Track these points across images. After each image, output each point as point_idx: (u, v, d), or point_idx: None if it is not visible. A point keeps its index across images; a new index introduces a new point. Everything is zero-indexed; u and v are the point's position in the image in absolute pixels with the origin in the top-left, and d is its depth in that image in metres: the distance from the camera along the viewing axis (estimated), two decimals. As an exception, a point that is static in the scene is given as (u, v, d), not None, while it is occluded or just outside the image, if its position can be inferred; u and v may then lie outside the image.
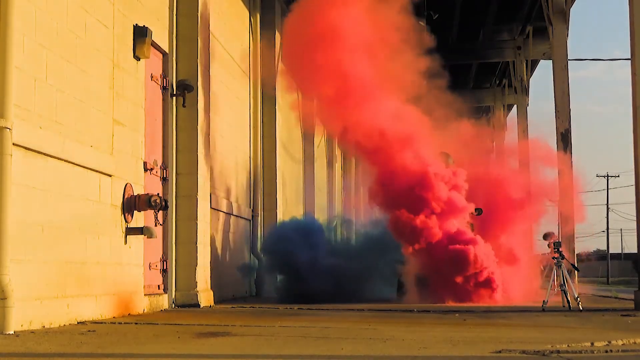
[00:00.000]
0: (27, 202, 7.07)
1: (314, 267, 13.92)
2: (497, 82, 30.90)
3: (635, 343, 6.60)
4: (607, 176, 76.89)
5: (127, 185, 9.36)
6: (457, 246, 13.92)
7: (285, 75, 15.57)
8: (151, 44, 10.00)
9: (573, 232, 17.77)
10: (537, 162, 18.68)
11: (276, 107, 17.11)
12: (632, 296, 12.92)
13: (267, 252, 15.59)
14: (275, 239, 14.96)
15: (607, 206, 77.75)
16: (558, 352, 5.83)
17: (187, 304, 10.99)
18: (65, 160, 7.75)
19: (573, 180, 17.40)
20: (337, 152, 26.91)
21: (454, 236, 14.14)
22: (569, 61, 18.69)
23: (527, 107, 26.88)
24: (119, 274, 9.06)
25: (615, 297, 18.70)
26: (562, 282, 11.84)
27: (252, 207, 16.33)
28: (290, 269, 14.35)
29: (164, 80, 10.99)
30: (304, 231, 15.00)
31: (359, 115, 14.07)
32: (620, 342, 6.55)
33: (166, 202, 9.90)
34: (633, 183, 11.91)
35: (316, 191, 21.98)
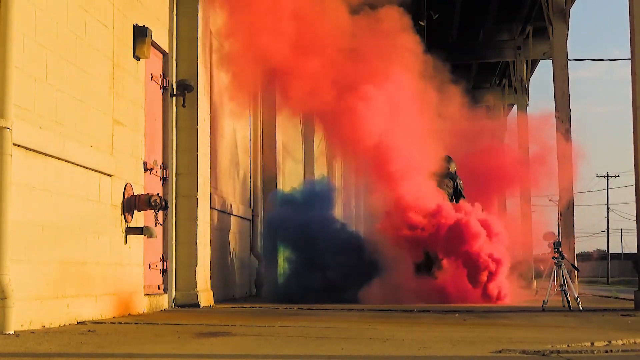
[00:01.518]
0: (27, 202, 7.07)
1: (316, 265, 13.92)
2: (497, 82, 30.92)
3: (635, 343, 6.60)
4: (607, 176, 76.92)
5: (127, 185, 9.36)
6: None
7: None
8: (151, 44, 10.00)
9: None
10: (535, 132, 18.82)
11: (276, 107, 17.10)
12: (632, 296, 12.92)
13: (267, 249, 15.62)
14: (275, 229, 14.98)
15: (607, 206, 77.81)
16: (558, 352, 5.83)
17: (187, 304, 10.99)
18: (65, 160, 7.75)
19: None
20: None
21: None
22: (569, 61, 18.72)
23: (527, 107, 26.90)
24: (119, 274, 9.06)
25: (615, 297, 18.71)
26: (562, 282, 11.85)
27: (252, 207, 16.33)
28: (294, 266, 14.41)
29: (164, 80, 10.99)
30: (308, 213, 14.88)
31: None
32: (620, 342, 6.55)
33: (166, 202, 9.90)
34: (633, 183, 11.90)
35: (316, 191, 21.96)
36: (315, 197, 15.49)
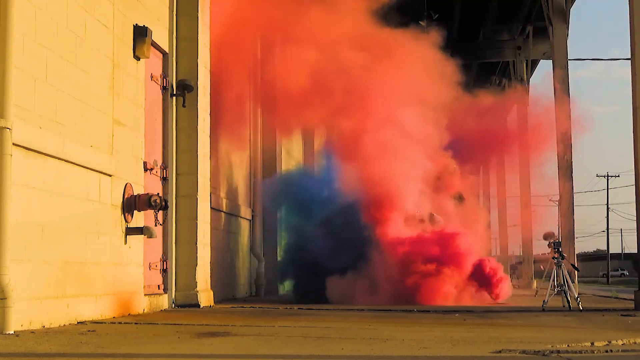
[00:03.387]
0: (27, 202, 7.07)
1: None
2: (497, 82, 30.93)
3: (635, 343, 6.60)
4: (607, 176, 76.93)
5: (127, 185, 9.36)
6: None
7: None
8: (151, 44, 9.99)
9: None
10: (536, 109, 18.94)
11: (276, 107, 17.08)
12: (632, 296, 12.92)
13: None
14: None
15: (607, 206, 77.82)
16: (558, 352, 5.83)
17: (187, 304, 10.98)
18: (65, 160, 7.75)
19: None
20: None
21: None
22: (569, 61, 18.74)
23: (527, 107, 26.92)
24: (119, 274, 9.06)
25: (615, 297, 18.72)
26: (562, 282, 11.85)
27: (252, 207, 16.33)
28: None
29: (164, 80, 10.99)
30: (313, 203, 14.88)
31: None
32: (620, 342, 6.55)
33: (166, 202, 9.90)
34: (633, 183, 11.91)
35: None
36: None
